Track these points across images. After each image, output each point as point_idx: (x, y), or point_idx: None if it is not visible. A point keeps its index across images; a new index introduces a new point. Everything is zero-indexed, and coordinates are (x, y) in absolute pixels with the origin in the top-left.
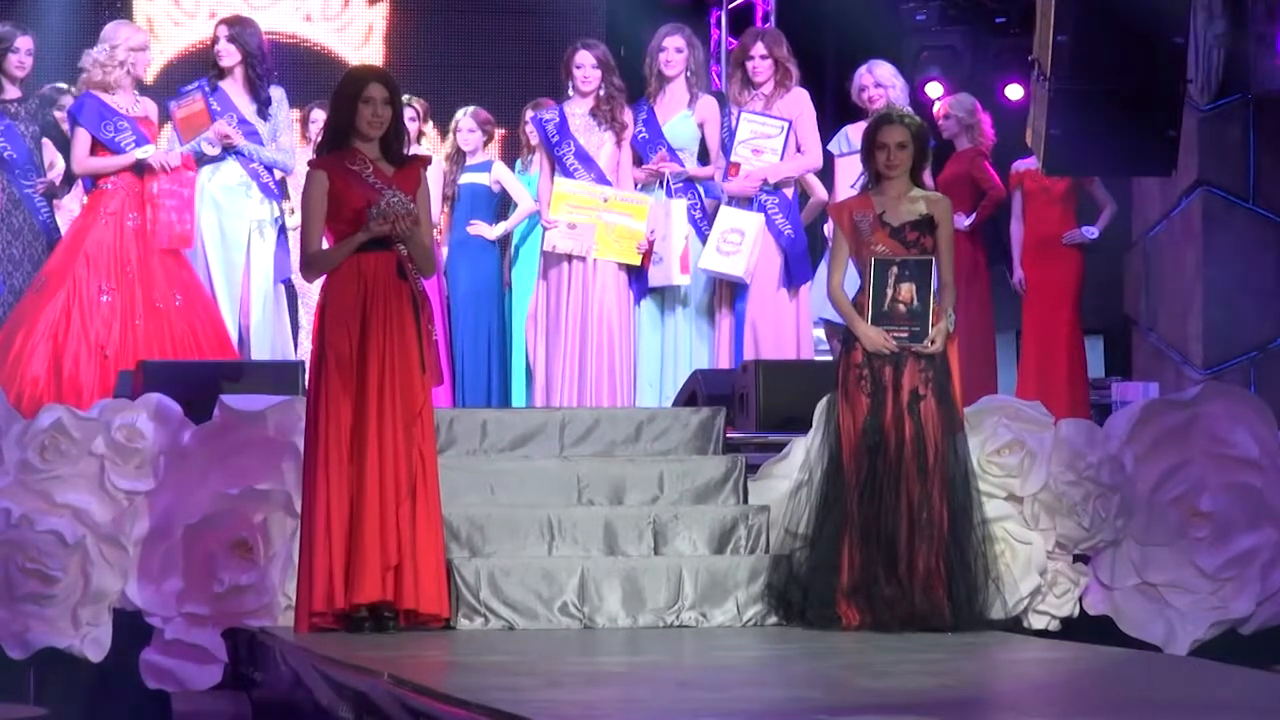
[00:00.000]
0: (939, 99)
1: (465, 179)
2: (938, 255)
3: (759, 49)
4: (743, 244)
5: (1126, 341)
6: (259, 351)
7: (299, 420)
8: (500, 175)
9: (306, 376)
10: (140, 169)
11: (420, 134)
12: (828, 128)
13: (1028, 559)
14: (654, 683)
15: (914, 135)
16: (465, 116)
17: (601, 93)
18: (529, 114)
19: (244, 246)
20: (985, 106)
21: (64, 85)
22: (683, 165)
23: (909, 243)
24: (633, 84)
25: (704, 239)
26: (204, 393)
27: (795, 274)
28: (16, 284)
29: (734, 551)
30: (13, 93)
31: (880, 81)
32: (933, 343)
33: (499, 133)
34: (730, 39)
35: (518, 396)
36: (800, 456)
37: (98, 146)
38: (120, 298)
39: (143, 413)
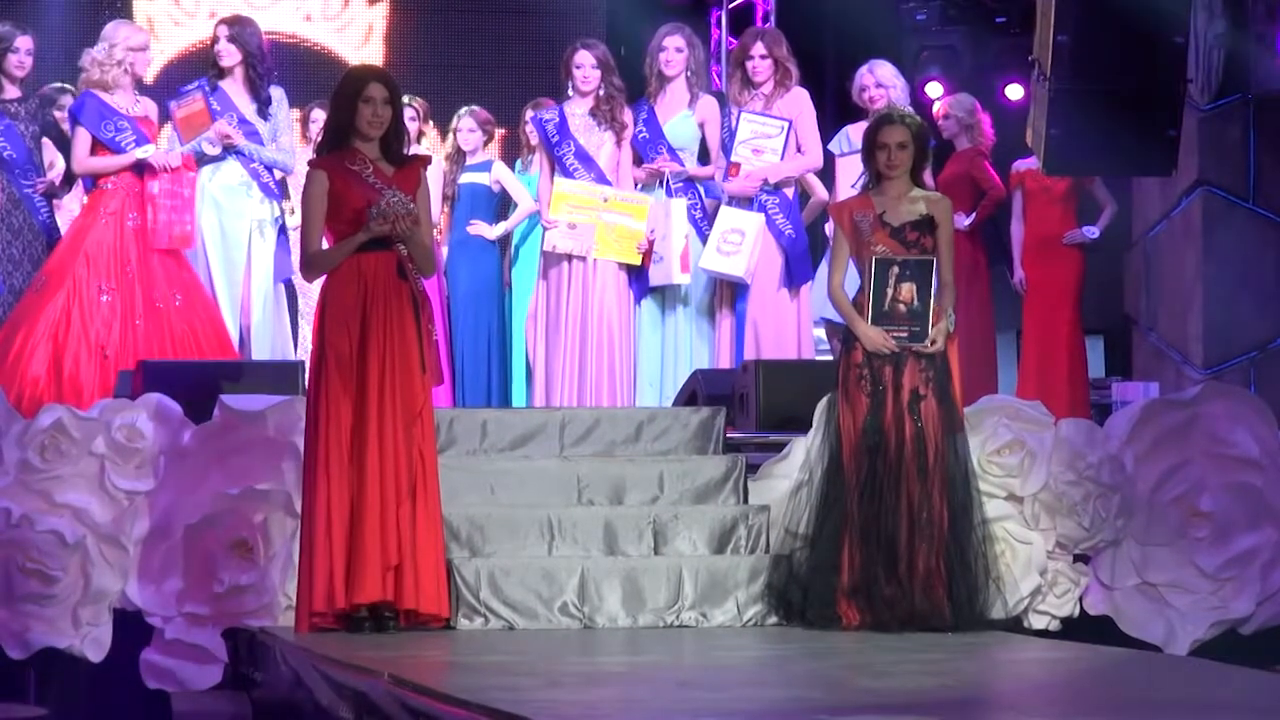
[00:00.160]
0: (939, 99)
1: (465, 179)
2: (938, 255)
3: (759, 49)
4: (743, 244)
5: (1126, 341)
6: (259, 351)
7: (299, 420)
8: (500, 175)
9: (306, 376)
10: (140, 169)
11: (420, 134)
12: (828, 128)
13: (1028, 559)
14: (654, 683)
15: (914, 135)
16: (465, 116)
17: (601, 93)
18: (529, 114)
19: (244, 246)
20: (985, 106)
21: (64, 85)
22: (683, 165)
23: (909, 243)
24: (633, 84)
25: (704, 239)
26: (204, 393)
27: (796, 274)
28: (16, 284)
29: (734, 551)
30: (13, 92)
31: (881, 81)
32: (933, 343)
33: (499, 133)
34: (730, 39)
35: (518, 396)
36: (800, 456)
37: (98, 146)
38: (120, 298)
39: (143, 413)
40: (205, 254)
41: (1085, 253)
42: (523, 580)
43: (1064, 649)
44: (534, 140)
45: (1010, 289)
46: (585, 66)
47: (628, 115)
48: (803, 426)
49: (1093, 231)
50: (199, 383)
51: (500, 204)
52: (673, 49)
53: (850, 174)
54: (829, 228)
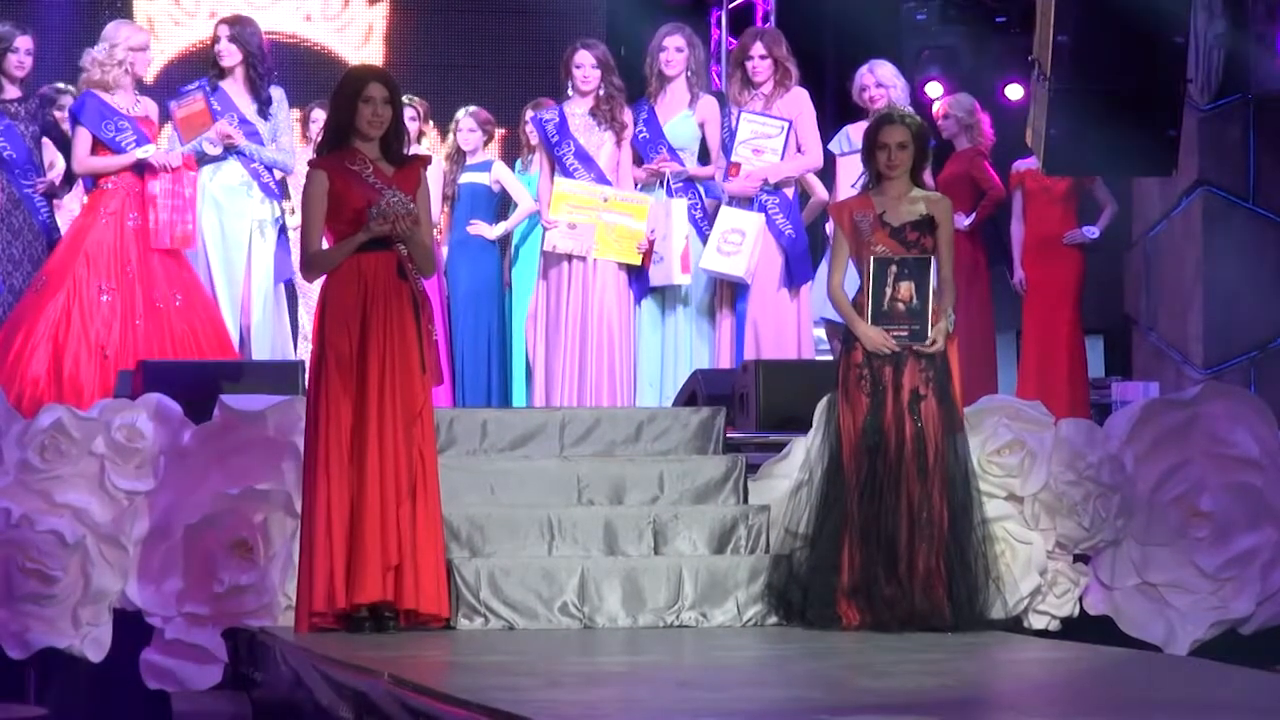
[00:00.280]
0: (939, 99)
1: (465, 179)
2: (938, 255)
3: (758, 49)
4: (743, 244)
5: (1126, 341)
6: (259, 351)
7: (299, 420)
8: (500, 175)
9: (306, 376)
10: (141, 169)
11: (421, 134)
12: (828, 127)
13: (1028, 559)
14: (654, 683)
15: (914, 135)
16: (465, 116)
17: (601, 93)
18: (529, 114)
19: (245, 246)
20: (985, 106)
21: (64, 85)
22: (683, 165)
23: (909, 243)
24: (633, 84)
25: (704, 239)
26: (204, 393)
27: (796, 274)
28: (16, 284)
29: (734, 551)
30: (13, 92)
31: (881, 81)
32: (933, 343)
33: (499, 132)
34: (730, 39)
35: (518, 396)
36: (800, 456)
37: (98, 146)
38: (120, 298)
39: (143, 413)
40: (206, 254)
41: (1085, 253)
42: (523, 580)
43: (1064, 649)
44: (534, 140)
45: (1010, 289)
46: (585, 66)
47: (627, 115)
48: (803, 426)
49: (1093, 231)
50: (199, 383)
51: (500, 204)
52: (673, 49)
53: (851, 174)
54: (829, 227)
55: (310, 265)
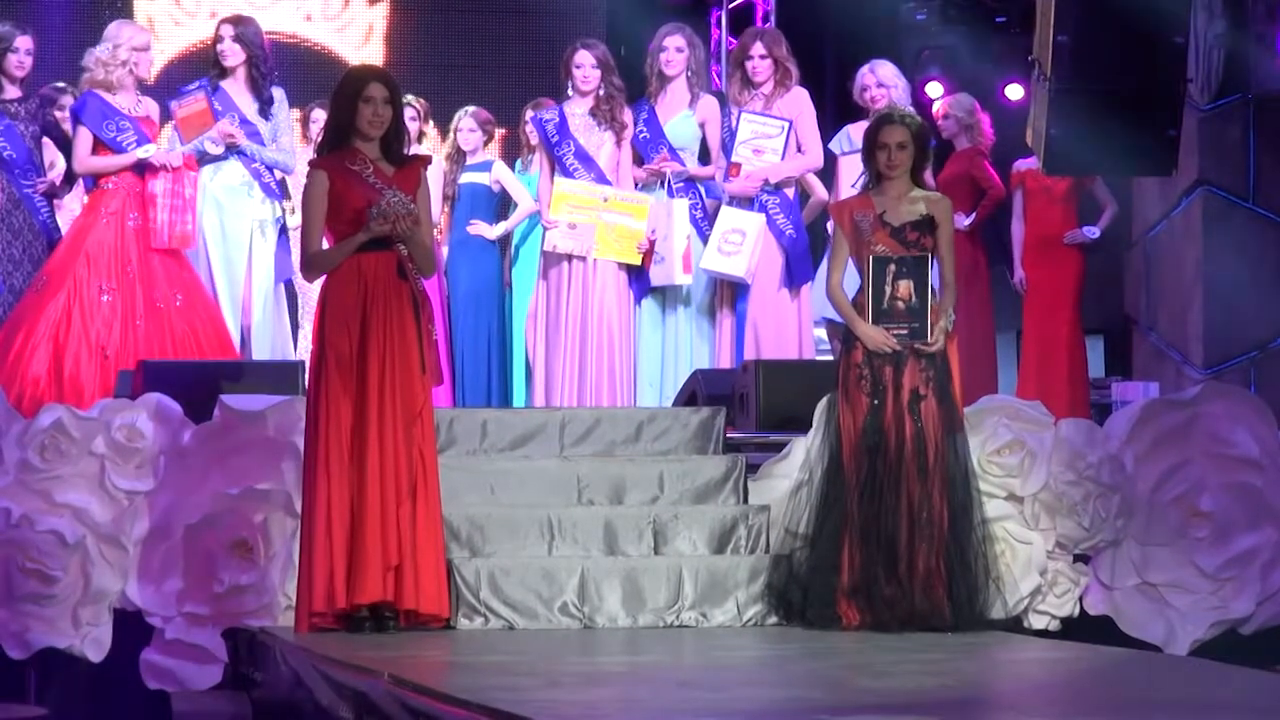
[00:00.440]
0: (939, 99)
1: (465, 179)
2: (939, 255)
3: (758, 49)
4: (744, 244)
5: (1126, 341)
6: (260, 351)
7: (299, 420)
8: (500, 175)
9: (306, 376)
10: (142, 169)
11: (421, 134)
12: (828, 127)
13: (1028, 559)
14: (654, 683)
15: (914, 135)
16: (465, 116)
17: (601, 93)
18: (529, 114)
19: (245, 246)
20: (985, 106)
21: (64, 85)
22: (684, 165)
23: (909, 243)
24: (633, 84)
25: (705, 239)
26: (204, 393)
27: (796, 274)
28: (16, 284)
29: (734, 551)
30: (13, 92)
31: (882, 81)
32: (934, 342)
33: (499, 132)
34: (730, 39)
35: (518, 396)
36: (800, 456)
37: (99, 146)
38: (121, 298)
39: (143, 412)
40: (206, 254)
41: (1085, 253)
42: (523, 580)
43: (1064, 649)
44: (534, 140)
45: (1010, 289)
46: (585, 66)
47: (627, 115)
48: (803, 426)
49: (1093, 232)
50: (199, 383)
51: (500, 204)
52: (673, 49)
53: (852, 173)
54: (831, 227)
55: (310, 265)
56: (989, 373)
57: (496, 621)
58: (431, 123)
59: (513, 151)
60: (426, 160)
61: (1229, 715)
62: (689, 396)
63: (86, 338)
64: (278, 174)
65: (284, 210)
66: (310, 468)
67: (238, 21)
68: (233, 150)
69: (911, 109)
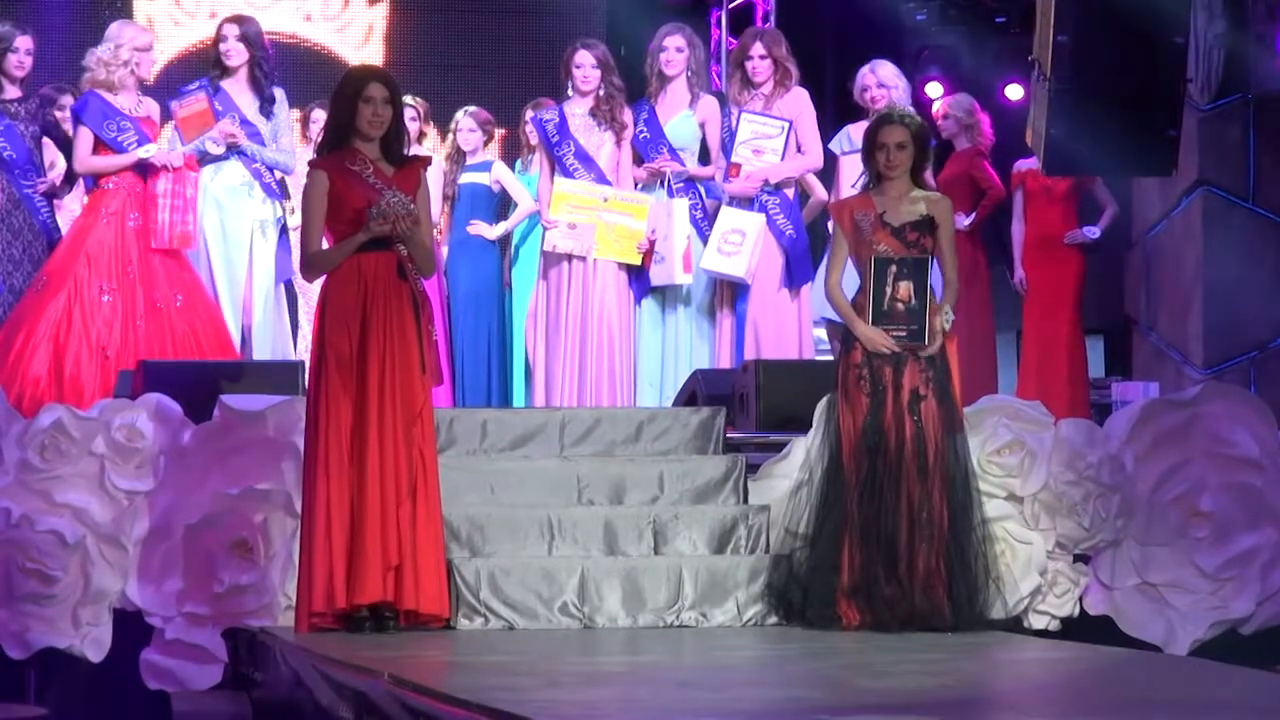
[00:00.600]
0: (939, 99)
1: (465, 179)
2: (941, 255)
3: (758, 49)
4: (744, 244)
5: (1126, 341)
6: (260, 352)
7: (299, 420)
8: (500, 175)
9: (306, 377)
10: (142, 169)
11: (421, 134)
12: (828, 127)
13: (1028, 559)
14: (654, 683)
15: (914, 135)
16: (465, 116)
17: (601, 93)
18: (529, 114)
19: (246, 246)
20: (985, 106)
21: (64, 85)
22: (684, 165)
23: (910, 243)
24: (633, 84)
25: (705, 239)
26: (204, 393)
27: (796, 274)
28: (16, 284)
29: (734, 551)
30: (13, 92)
31: (883, 81)
32: (930, 346)
33: (499, 133)
34: (730, 39)
35: (518, 396)
36: (800, 456)
37: (100, 145)
38: (121, 298)
39: (143, 413)
40: (207, 254)
41: (1085, 253)
42: (523, 580)
43: (1064, 649)
44: (534, 140)
45: (1010, 289)
46: (585, 66)
47: (627, 115)
48: (803, 426)
49: (1093, 232)
50: (199, 383)
51: (500, 204)
52: (673, 49)
53: (852, 174)
54: (831, 227)
55: (310, 265)
56: (989, 373)
57: (496, 622)
58: (432, 123)
59: (513, 151)
60: (426, 161)
61: (1229, 715)
62: (689, 396)
63: (87, 338)
64: (278, 174)
65: (284, 210)
66: (310, 468)
67: (241, 21)
68: (233, 150)
69: (912, 109)
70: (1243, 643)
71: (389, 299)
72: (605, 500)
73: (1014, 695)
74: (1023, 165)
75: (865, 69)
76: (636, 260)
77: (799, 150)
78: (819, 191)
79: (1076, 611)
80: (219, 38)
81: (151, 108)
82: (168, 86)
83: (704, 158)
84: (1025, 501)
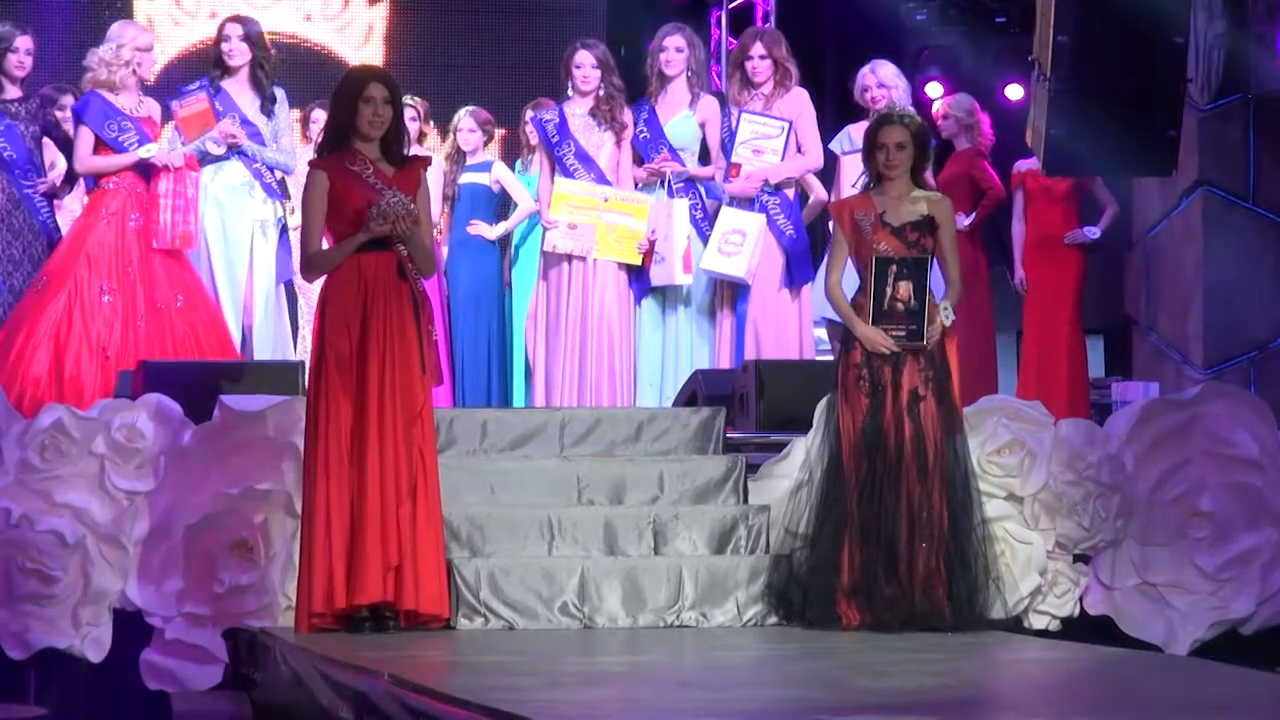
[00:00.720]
0: (939, 99)
1: (465, 179)
2: (943, 255)
3: (758, 49)
4: (744, 245)
5: (1126, 341)
6: (261, 352)
7: (299, 420)
8: (500, 175)
9: (306, 377)
10: (143, 169)
11: (421, 134)
12: (828, 128)
13: (1028, 559)
14: (654, 683)
15: (914, 135)
16: (465, 116)
17: (601, 93)
18: (529, 114)
19: (247, 247)
20: (985, 106)
21: (65, 85)
22: (684, 165)
23: (910, 243)
24: (633, 84)
25: (705, 239)
26: (204, 393)
27: (797, 274)
28: (16, 284)
29: (734, 551)
30: (13, 92)
31: (883, 82)
32: (928, 340)
33: (499, 133)
34: (730, 39)
35: (518, 396)
36: (800, 456)
37: (101, 145)
38: (121, 298)
39: (143, 413)
40: (208, 254)
41: (1085, 253)
42: (523, 580)
43: (1064, 649)
44: (534, 140)
45: (1010, 289)
46: (585, 66)
47: (627, 115)
48: (803, 426)
49: (1094, 232)
50: (199, 383)
51: (500, 204)
52: (673, 49)
53: (853, 174)
54: (833, 226)
55: (310, 265)
56: (989, 373)
57: (496, 622)
58: (432, 123)
59: (513, 151)
60: (426, 161)
61: (1229, 715)
62: (689, 397)
63: (87, 338)
64: (278, 174)
65: (285, 210)
66: (310, 468)
67: (244, 21)
68: (234, 151)
69: (912, 109)
70: (1243, 643)
71: (389, 299)
72: (605, 500)
73: (1014, 695)
74: (1023, 165)
75: (865, 69)
76: (637, 260)
77: (799, 150)
78: (819, 192)
79: (1076, 611)
80: (222, 37)
81: (153, 108)
82: (168, 86)
83: (704, 158)
84: (1025, 501)
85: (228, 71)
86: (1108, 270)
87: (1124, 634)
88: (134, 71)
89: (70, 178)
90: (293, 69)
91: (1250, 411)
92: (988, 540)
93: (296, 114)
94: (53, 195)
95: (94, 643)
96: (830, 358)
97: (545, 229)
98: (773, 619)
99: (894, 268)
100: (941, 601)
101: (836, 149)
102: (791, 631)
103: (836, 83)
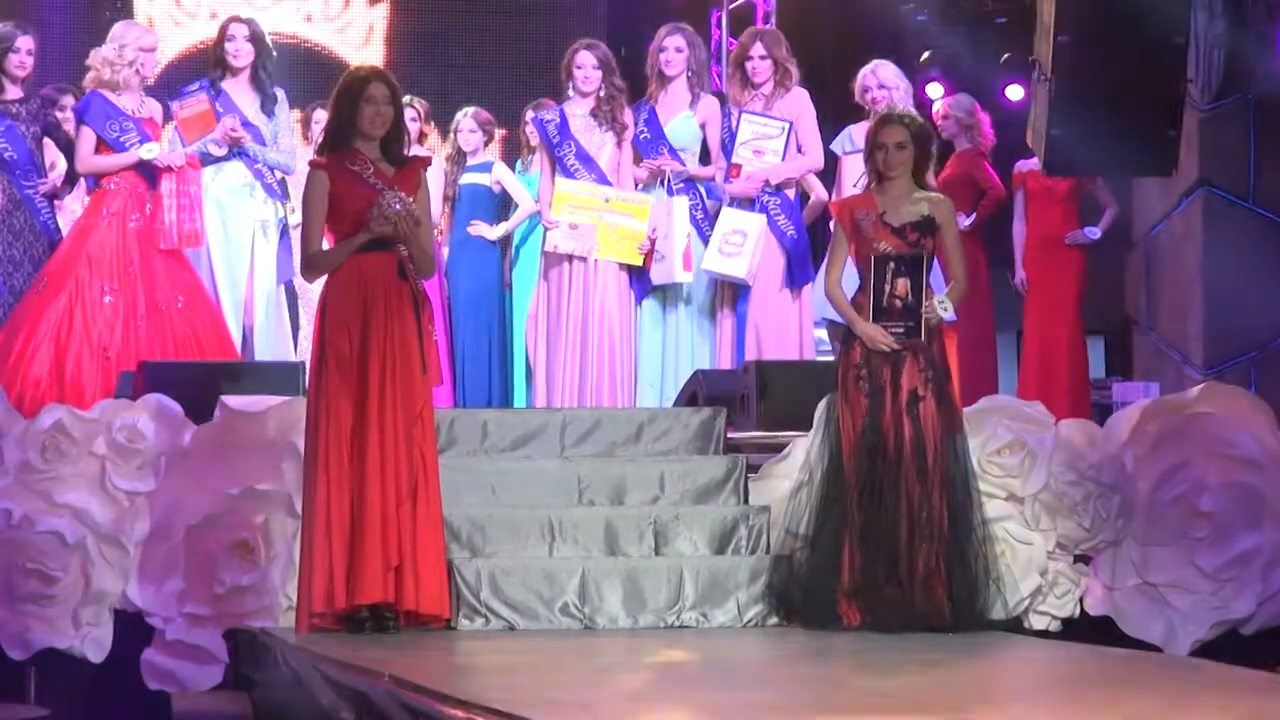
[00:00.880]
0: (939, 100)
1: (466, 179)
2: (947, 254)
3: (758, 49)
4: (745, 245)
5: (1127, 341)
6: (261, 352)
7: (299, 420)
8: (501, 176)
9: (307, 377)
10: (144, 169)
11: (422, 134)
12: (828, 128)
13: (1028, 559)
14: (655, 683)
15: (914, 136)
16: (466, 117)
17: (602, 93)
18: (529, 114)
19: (248, 247)
20: (985, 106)
21: (66, 85)
22: (684, 165)
23: (910, 243)
24: (633, 84)
25: (705, 239)
26: (205, 393)
27: (797, 275)
28: (17, 285)
29: (735, 552)
30: (14, 93)
31: (884, 82)
32: (927, 324)
33: (500, 133)
34: (730, 39)
35: (518, 397)
36: (800, 457)
37: (102, 146)
38: (122, 299)
39: (144, 413)
40: (208, 255)
41: (1086, 253)
42: (523, 581)
43: (1064, 649)
44: (534, 141)
45: (1010, 289)
46: (586, 67)
47: (628, 116)
48: (803, 427)
49: (1094, 232)
50: (200, 383)
51: (501, 205)
52: (673, 49)
53: (854, 174)
54: (834, 226)
55: (311, 266)
56: (989, 373)
57: (497, 622)
58: (432, 123)
59: (513, 152)
60: (426, 161)
61: (1229, 715)
62: (689, 397)
63: (88, 339)
64: (279, 174)
65: (286, 211)
66: (310, 468)
67: (246, 21)
68: (235, 151)
69: (913, 110)
70: (1243, 643)
71: (389, 299)
72: (606, 501)
73: (1014, 695)
74: (1023, 166)
75: (866, 70)
76: (637, 261)
77: (799, 151)
78: (819, 192)
79: (1077, 612)
80: (225, 37)
81: (154, 108)
82: (168, 87)
83: (704, 158)
84: (1025, 502)
85: (229, 71)
86: (1108, 270)
87: (1124, 634)
88: (137, 72)
89: (71, 178)
90: (293, 69)
91: (1250, 411)
92: (988, 540)
93: (297, 114)
94: (53, 196)
95: (94, 643)
96: (831, 358)
97: (546, 229)
98: (773, 619)
99: (891, 265)
100: (942, 602)
101: (837, 149)
102: (792, 632)
103: (837, 83)
